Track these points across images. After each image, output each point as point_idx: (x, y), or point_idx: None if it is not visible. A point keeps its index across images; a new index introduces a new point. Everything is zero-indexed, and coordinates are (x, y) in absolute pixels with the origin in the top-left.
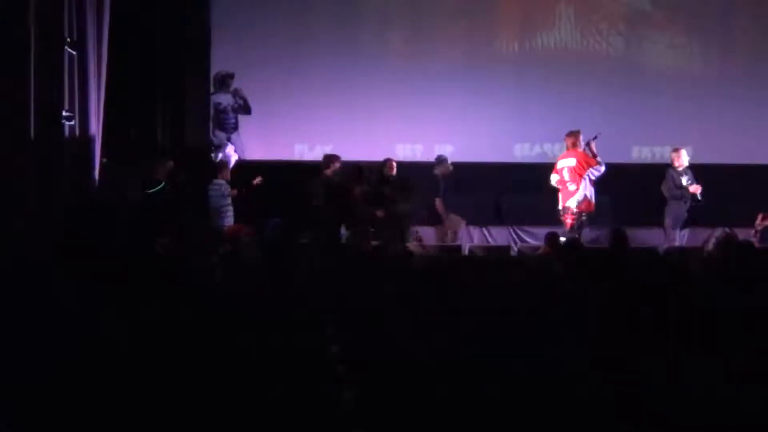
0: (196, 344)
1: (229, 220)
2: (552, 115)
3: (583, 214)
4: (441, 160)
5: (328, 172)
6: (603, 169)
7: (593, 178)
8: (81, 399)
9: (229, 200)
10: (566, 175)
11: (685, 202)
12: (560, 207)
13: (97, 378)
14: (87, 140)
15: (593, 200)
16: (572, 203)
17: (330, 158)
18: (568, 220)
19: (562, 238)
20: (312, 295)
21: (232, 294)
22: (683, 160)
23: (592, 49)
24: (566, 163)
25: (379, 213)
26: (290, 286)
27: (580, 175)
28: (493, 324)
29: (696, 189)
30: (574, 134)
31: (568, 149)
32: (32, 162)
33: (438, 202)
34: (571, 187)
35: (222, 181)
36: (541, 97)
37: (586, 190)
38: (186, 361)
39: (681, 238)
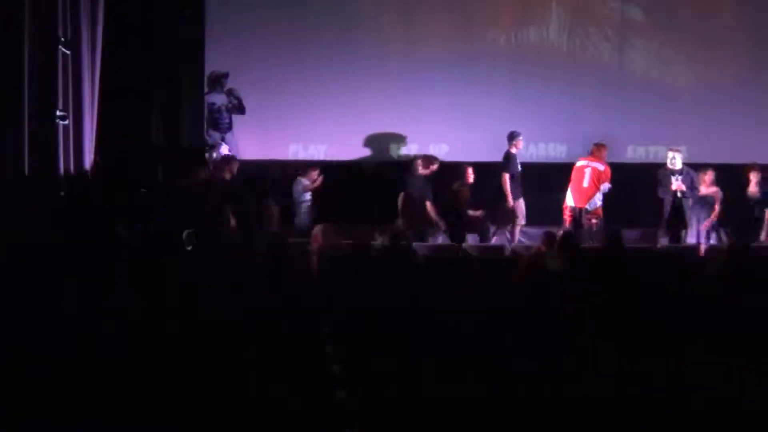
0: (192, 344)
1: (305, 215)
2: (548, 115)
3: (600, 218)
4: (513, 135)
5: (426, 172)
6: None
7: (603, 191)
8: (80, 400)
9: (306, 196)
10: (587, 174)
11: (670, 201)
12: (572, 204)
13: (96, 378)
14: (81, 139)
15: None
16: (593, 205)
17: (429, 160)
18: (593, 220)
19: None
20: (309, 296)
21: (229, 294)
22: (676, 161)
23: (587, 49)
24: (594, 165)
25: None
26: (288, 286)
27: (601, 182)
28: (490, 323)
29: (679, 186)
30: (604, 146)
31: (593, 154)
32: (26, 161)
33: (505, 178)
34: (585, 184)
35: (304, 180)
36: (536, 98)
37: (599, 198)
38: (182, 361)
39: (674, 238)
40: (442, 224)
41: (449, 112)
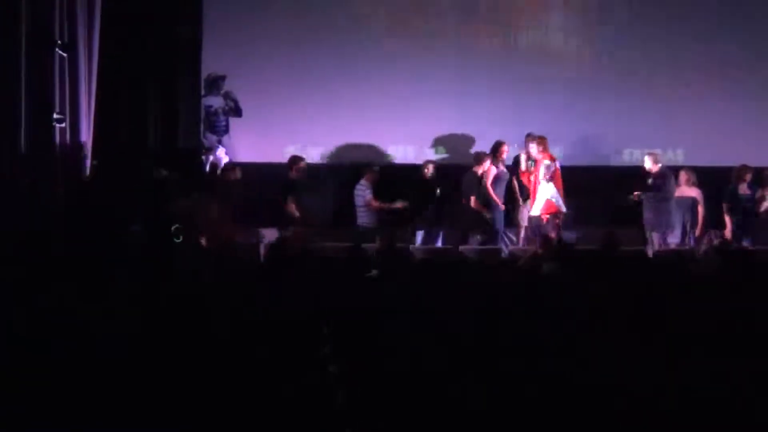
0: (191, 344)
1: (364, 218)
2: (544, 116)
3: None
4: (525, 137)
5: (478, 169)
6: None
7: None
8: (79, 400)
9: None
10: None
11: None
12: (564, 210)
13: (94, 378)
14: (78, 142)
15: None
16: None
17: (481, 156)
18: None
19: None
20: (307, 297)
21: (227, 294)
22: (646, 165)
23: (584, 52)
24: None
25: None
26: (286, 286)
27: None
28: (487, 323)
29: (639, 192)
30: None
31: (547, 151)
32: (23, 164)
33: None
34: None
35: (365, 183)
36: (534, 99)
37: None
38: (180, 362)
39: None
40: (487, 213)
41: (448, 114)
